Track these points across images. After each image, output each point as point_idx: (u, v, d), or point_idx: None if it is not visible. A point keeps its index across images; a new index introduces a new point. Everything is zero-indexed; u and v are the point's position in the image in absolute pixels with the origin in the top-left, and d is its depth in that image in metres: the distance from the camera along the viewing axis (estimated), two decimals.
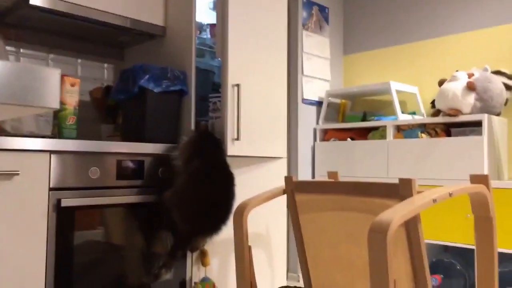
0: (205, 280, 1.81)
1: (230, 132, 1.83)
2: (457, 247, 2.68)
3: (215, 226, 1.69)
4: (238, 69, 1.87)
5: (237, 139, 1.84)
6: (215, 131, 1.97)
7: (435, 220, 2.64)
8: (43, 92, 0.54)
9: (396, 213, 1.08)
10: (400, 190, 1.27)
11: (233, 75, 1.84)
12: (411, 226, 1.25)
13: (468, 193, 1.32)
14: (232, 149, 1.83)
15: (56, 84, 0.56)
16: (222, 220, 1.69)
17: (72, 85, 1.60)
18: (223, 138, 1.82)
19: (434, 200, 1.18)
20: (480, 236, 1.38)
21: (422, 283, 1.26)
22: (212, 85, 2.23)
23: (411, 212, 1.11)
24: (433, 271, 2.67)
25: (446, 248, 2.89)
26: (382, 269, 1.03)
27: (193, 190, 1.65)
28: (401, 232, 1.28)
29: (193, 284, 1.82)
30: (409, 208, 1.11)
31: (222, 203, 1.68)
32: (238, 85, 1.84)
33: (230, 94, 1.83)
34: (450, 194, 1.23)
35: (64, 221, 1.49)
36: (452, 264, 2.64)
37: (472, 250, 2.53)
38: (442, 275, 2.64)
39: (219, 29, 1.91)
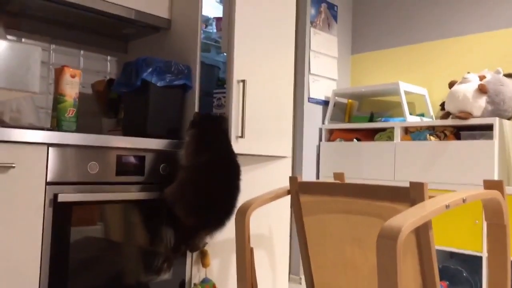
0: (205, 281, 1.76)
1: (235, 130, 1.77)
2: (464, 254, 2.62)
3: (219, 220, 1.64)
4: (244, 64, 1.81)
5: (242, 136, 1.78)
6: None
7: (441, 226, 2.58)
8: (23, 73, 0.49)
9: (407, 219, 1.02)
10: (411, 194, 1.21)
11: (238, 71, 1.79)
12: (422, 232, 1.20)
13: (481, 199, 1.27)
14: (236, 146, 1.77)
15: (36, 64, 0.51)
16: (227, 214, 1.64)
17: (73, 76, 1.55)
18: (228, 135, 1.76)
19: (447, 206, 1.12)
20: (492, 244, 1.33)
21: None
22: (217, 80, 2.18)
23: (423, 218, 1.05)
24: (439, 277, 2.62)
25: (452, 255, 2.83)
26: (391, 276, 0.98)
27: (197, 183, 1.60)
28: (411, 238, 1.22)
29: (192, 285, 1.77)
30: (420, 214, 1.05)
31: (227, 197, 1.63)
32: (243, 81, 1.79)
33: (236, 90, 1.77)
34: (464, 200, 1.17)
35: (61, 217, 1.44)
36: (458, 271, 2.58)
37: (479, 257, 2.47)
38: (447, 282, 2.58)
39: (226, 22, 1.86)
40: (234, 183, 1.68)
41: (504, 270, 1.31)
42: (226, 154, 1.70)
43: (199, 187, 1.60)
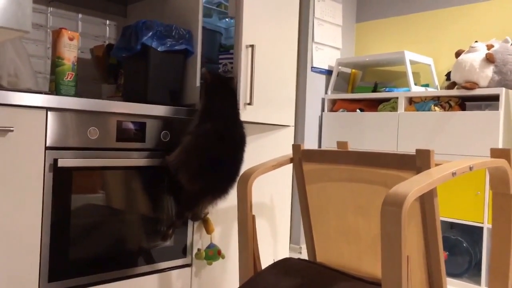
0: (210, 247, 1.77)
1: (243, 96, 1.73)
2: (464, 224, 2.62)
3: (223, 187, 1.63)
4: (252, 29, 1.76)
5: (250, 103, 1.74)
6: None
7: (442, 196, 2.58)
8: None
9: (412, 186, 1.00)
10: (417, 161, 1.19)
11: (247, 35, 1.73)
12: (427, 200, 1.18)
13: (488, 167, 1.24)
14: (244, 114, 1.74)
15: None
16: (230, 182, 1.63)
17: (71, 38, 1.50)
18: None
19: (454, 174, 1.10)
20: (497, 213, 1.31)
21: (435, 260, 1.19)
22: (218, 46, 2.13)
23: (429, 185, 1.03)
24: None
25: (452, 225, 2.83)
26: (395, 244, 0.97)
27: (203, 148, 1.58)
28: (415, 206, 1.21)
29: (196, 250, 1.77)
30: (426, 181, 1.03)
31: (231, 165, 1.62)
32: (252, 46, 1.74)
33: (244, 55, 1.72)
34: (471, 168, 1.15)
35: (61, 182, 1.42)
36: (459, 241, 2.59)
37: (480, 228, 2.47)
38: (447, 252, 2.60)
39: None
40: (239, 153, 1.66)
41: (508, 240, 1.30)
42: (234, 123, 1.67)
43: (204, 152, 1.58)
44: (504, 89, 2.39)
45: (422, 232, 1.21)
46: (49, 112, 1.39)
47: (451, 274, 2.60)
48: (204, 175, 1.60)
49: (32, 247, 1.37)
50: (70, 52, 1.51)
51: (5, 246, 1.31)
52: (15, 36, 0.95)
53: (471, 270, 2.59)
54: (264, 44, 1.83)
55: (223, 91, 1.68)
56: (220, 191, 1.63)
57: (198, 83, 1.80)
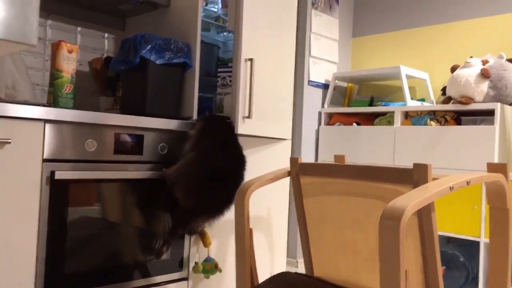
0: (207, 260, 1.76)
1: (242, 110, 1.74)
2: (460, 239, 2.62)
3: (219, 207, 1.62)
4: (251, 43, 1.77)
5: (249, 117, 1.75)
6: (225, 108, 1.89)
7: (439, 211, 2.58)
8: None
9: (410, 200, 1.01)
10: (414, 175, 1.19)
11: (246, 49, 1.75)
12: (424, 214, 1.18)
13: (485, 182, 1.25)
14: (243, 127, 1.74)
15: (34, 13, 0.47)
16: (227, 203, 1.62)
17: (70, 51, 1.51)
18: (234, 116, 1.73)
19: (451, 188, 1.10)
20: (494, 227, 1.32)
21: (433, 275, 1.19)
22: (216, 60, 2.14)
23: (427, 200, 1.04)
24: None
25: (449, 240, 2.83)
26: (393, 258, 0.97)
27: (201, 165, 1.58)
28: (413, 220, 1.21)
29: (194, 264, 1.76)
30: (424, 195, 1.03)
31: (230, 186, 1.61)
32: (251, 60, 1.75)
33: (243, 69, 1.73)
34: (468, 182, 1.15)
35: (58, 195, 1.42)
36: (455, 256, 2.58)
37: (476, 242, 2.47)
38: (444, 267, 2.59)
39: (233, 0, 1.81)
40: (238, 176, 1.66)
41: (505, 254, 1.30)
42: (233, 144, 1.69)
43: (204, 169, 1.58)
44: (499, 104, 2.41)
45: (420, 246, 1.21)
46: (46, 124, 1.39)
47: None
48: (200, 193, 1.59)
49: (27, 260, 1.35)
50: (69, 64, 1.52)
51: (2, 258, 1.30)
52: (20, 49, 0.96)
53: (468, 285, 2.58)
54: (262, 58, 1.84)
55: (221, 120, 1.71)
56: (215, 211, 1.62)
57: (196, 96, 1.81)
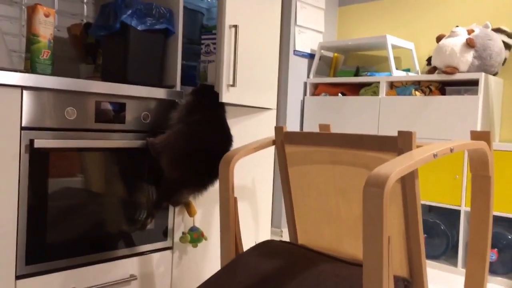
0: (193, 230, 1.76)
1: (226, 78, 1.70)
2: (441, 208, 2.67)
3: (203, 182, 1.60)
4: (235, 9, 1.72)
5: (233, 85, 1.72)
6: (209, 76, 1.85)
7: (420, 180, 2.61)
8: None
9: (394, 167, 1.00)
10: (399, 143, 1.19)
11: (230, 15, 1.70)
12: (408, 181, 1.19)
13: (468, 149, 1.26)
14: (227, 96, 1.71)
15: None
16: (211, 177, 1.61)
17: (46, 15, 1.45)
18: (218, 84, 1.70)
19: (435, 155, 1.11)
20: (476, 195, 1.33)
21: (415, 241, 1.21)
22: (200, 27, 2.09)
23: (411, 167, 1.04)
24: None
25: (430, 208, 2.88)
26: (377, 225, 0.97)
27: (189, 139, 1.56)
28: (397, 188, 1.21)
29: (181, 234, 1.76)
30: (408, 162, 1.03)
31: (216, 162, 1.59)
32: (236, 26, 1.70)
33: (227, 36, 1.69)
34: (451, 149, 1.16)
35: (38, 164, 1.39)
36: (436, 224, 2.63)
37: (457, 211, 2.52)
38: (425, 235, 2.64)
39: None
40: (227, 148, 1.64)
41: (486, 221, 1.32)
42: (222, 121, 1.66)
43: (191, 141, 1.56)
44: (483, 74, 2.42)
45: (403, 214, 1.22)
46: (24, 91, 1.34)
47: (429, 256, 2.65)
48: (186, 164, 1.57)
49: (8, 230, 1.33)
50: (45, 29, 1.46)
51: None
52: None
53: (448, 252, 2.65)
54: (247, 26, 1.80)
55: (210, 94, 1.68)
56: (200, 185, 1.61)
57: (179, 64, 1.77)
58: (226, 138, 1.66)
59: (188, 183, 1.61)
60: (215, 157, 1.59)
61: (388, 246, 0.99)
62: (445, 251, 2.63)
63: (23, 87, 1.33)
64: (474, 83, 2.49)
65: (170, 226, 1.75)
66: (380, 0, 3.26)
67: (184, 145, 1.56)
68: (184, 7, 1.83)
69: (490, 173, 1.30)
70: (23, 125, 1.35)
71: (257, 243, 1.61)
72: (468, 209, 2.38)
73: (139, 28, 1.65)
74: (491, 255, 2.42)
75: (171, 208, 1.75)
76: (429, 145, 1.15)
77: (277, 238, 2.96)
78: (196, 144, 1.57)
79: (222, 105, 1.72)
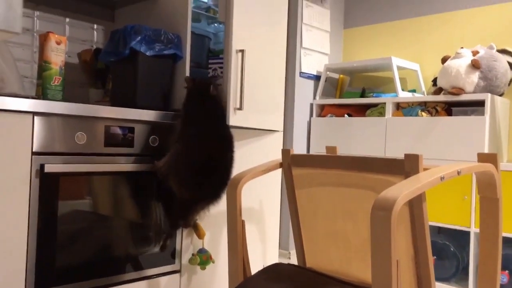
0: (202, 252, 1.76)
1: (233, 101, 1.73)
2: (451, 229, 2.64)
3: (214, 193, 1.62)
4: (242, 34, 1.76)
5: (240, 108, 1.74)
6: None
7: (429, 201, 2.60)
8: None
9: (402, 190, 1.01)
10: (406, 166, 1.20)
11: (237, 40, 1.73)
12: (416, 204, 1.19)
13: (475, 172, 1.26)
14: (234, 119, 1.73)
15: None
16: (221, 186, 1.62)
17: (58, 42, 1.49)
18: (225, 107, 1.72)
19: (442, 178, 1.11)
20: (485, 217, 1.33)
21: (424, 264, 1.20)
22: (207, 51, 2.12)
23: (418, 190, 1.04)
24: None
25: (439, 230, 2.86)
26: (385, 248, 0.97)
27: (189, 155, 1.57)
28: (404, 210, 1.21)
29: (191, 256, 1.76)
30: (415, 185, 1.04)
31: (221, 169, 1.61)
32: (242, 51, 1.73)
33: (234, 60, 1.72)
34: (459, 172, 1.16)
35: (48, 188, 1.40)
36: (446, 245, 2.61)
37: (467, 232, 2.50)
38: (435, 257, 2.61)
39: None
40: (227, 154, 1.65)
41: (495, 244, 1.31)
42: (219, 126, 1.67)
43: (191, 158, 1.57)
44: (489, 94, 2.43)
45: (411, 236, 1.22)
46: (35, 117, 1.37)
47: (439, 278, 2.62)
48: (193, 183, 1.59)
49: (18, 254, 1.34)
50: (57, 56, 1.50)
51: None
52: (4, 37, 0.93)
53: (459, 274, 2.61)
54: (254, 49, 1.83)
55: (202, 96, 1.68)
56: (212, 196, 1.62)
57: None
58: (225, 142, 1.66)
59: (200, 199, 1.62)
60: (218, 165, 1.60)
61: (397, 270, 0.99)
62: (455, 274, 2.60)
63: (34, 113, 1.36)
64: (480, 103, 2.50)
65: (178, 248, 1.75)
66: (384, 22, 3.30)
67: (184, 165, 1.58)
68: (192, 32, 1.87)
69: (498, 195, 1.30)
70: (34, 150, 1.37)
71: (265, 266, 1.61)
72: (478, 230, 2.36)
73: (148, 53, 1.69)
74: (502, 277, 2.38)
75: (179, 230, 1.75)
76: (436, 168, 1.16)
77: (285, 260, 2.94)
78: (194, 160, 1.58)
79: (216, 101, 1.71)
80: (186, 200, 1.61)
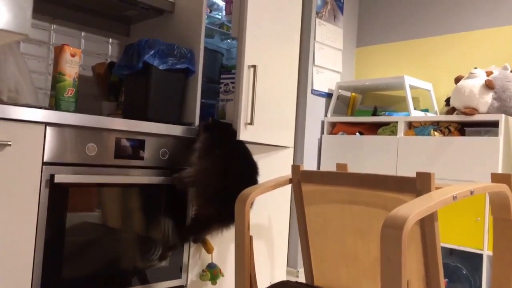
0: (212, 267, 1.75)
1: (244, 116, 1.73)
2: (463, 251, 2.59)
3: (233, 216, 1.61)
4: (254, 50, 1.77)
5: (251, 123, 1.74)
6: (227, 114, 1.88)
7: (441, 222, 2.55)
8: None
9: (413, 209, 0.99)
10: (418, 184, 1.18)
11: (249, 56, 1.74)
12: (427, 224, 1.16)
13: (489, 192, 1.23)
14: (245, 134, 1.73)
15: (28, 3, 0.47)
16: None
17: (73, 55, 1.51)
18: (236, 122, 1.72)
19: (455, 197, 1.09)
20: (498, 238, 1.29)
21: (435, 286, 1.17)
22: (220, 67, 2.14)
23: (430, 209, 1.02)
24: None
25: (451, 252, 2.80)
26: (395, 268, 0.95)
27: (217, 175, 1.57)
28: (416, 230, 1.19)
29: (201, 271, 1.75)
30: (427, 204, 1.02)
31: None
32: (254, 67, 1.74)
33: (246, 76, 1.73)
34: (472, 192, 1.14)
35: (57, 198, 1.41)
36: (458, 268, 2.55)
37: (479, 254, 2.44)
38: (447, 279, 2.56)
39: (237, 6, 1.81)
40: (252, 181, 1.65)
41: (509, 266, 1.28)
42: (242, 150, 1.68)
43: (220, 176, 1.57)
44: (503, 115, 2.40)
45: (422, 256, 1.19)
46: (47, 127, 1.38)
47: None
48: (218, 201, 1.58)
49: (25, 264, 1.34)
50: (71, 68, 1.52)
51: None
52: (14, 39, 0.94)
53: None
54: (266, 66, 1.84)
55: (223, 129, 1.71)
56: (230, 219, 1.60)
57: (198, 102, 1.80)
58: (250, 166, 1.67)
59: (220, 218, 1.61)
60: (243, 188, 1.60)
61: None
62: None
63: (46, 124, 1.37)
64: (494, 124, 2.47)
65: (185, 263, 1.73)
66: (397, 41, 3.30)
67: (213, 182, 1.57)
68: (205, 48, 1.89)
69: None
70: (44, 160, 1.38)
71: (272, 283, 1.58)
72: (491, 253, 2.31)
73: (160, 67, 1.70)
74: None
75: (186, 245, 1.74)
76: (448, 187, 1.14)
77: (293, 279, 2.90)
78: (223, 179, 1.58)
79: (240, 140, 1.74)
80: (203, 216, 1.60)
